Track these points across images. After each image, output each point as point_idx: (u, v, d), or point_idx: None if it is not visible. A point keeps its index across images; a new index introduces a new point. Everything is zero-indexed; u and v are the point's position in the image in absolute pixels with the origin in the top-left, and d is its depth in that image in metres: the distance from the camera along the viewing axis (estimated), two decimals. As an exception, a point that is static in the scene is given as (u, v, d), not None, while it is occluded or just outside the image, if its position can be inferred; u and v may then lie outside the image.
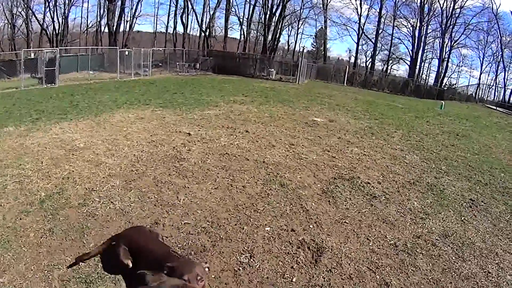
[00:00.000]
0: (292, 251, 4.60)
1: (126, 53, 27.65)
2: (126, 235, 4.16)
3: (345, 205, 5.89)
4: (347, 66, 47.61)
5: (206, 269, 3.45)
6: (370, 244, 4.88)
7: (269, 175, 6.77)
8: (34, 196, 5.46)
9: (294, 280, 4.10)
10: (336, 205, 5.88)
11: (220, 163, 7.18)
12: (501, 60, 54.11)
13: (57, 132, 8.81)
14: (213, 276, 4.03)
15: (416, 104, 23.09)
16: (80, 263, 4.04)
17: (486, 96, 44.71)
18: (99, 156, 7.13)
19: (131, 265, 3.73)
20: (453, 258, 4.73)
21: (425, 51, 58.02)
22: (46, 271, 3.94)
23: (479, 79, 54.99)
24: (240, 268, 4.21)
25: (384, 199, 6.25)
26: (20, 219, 4.86)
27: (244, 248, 4.56)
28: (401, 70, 62.50)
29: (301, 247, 4.68)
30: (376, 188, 6.66)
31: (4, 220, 4.80)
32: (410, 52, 57.14)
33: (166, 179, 6.30)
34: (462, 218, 5.83)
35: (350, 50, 62.81)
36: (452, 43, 55.38)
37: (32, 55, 26.83)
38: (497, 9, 54.50)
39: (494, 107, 31.59)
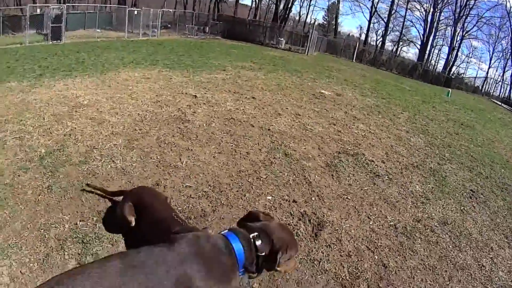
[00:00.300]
0: (293, 222, 4.52)
1: (135, 12, 27.27)
2: (134, 193, 4.04)
3: (348, 181, 5.81)
4: (357, 43, 47.10)
5: None
6: (370, 223, 4.82)
7: (274, 144, 6.67)
8: (34, 152, 5.36)
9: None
10: (339, 179, 5.79)
11: (225, 128, 7.07)
12: (510, 57, 54.20)
13: (61, 89, 8.66)
14: (212, 242, 3.96)
15: (423, 89, 22.89)
16: (78, 223, 3.97)
17: (492, 91, 44.84)
18: (103, 114, 7.01)
19: (133, 223, 3.64)
20: (450, 246, 4.69)
21: (436, 37, 58.08)
22: (42, 230, 3.85)
23: (487, 73, 55.19)
24: (240, 235, 4.13)
25: (387, 179, 6.17)
26: (19, 175, 4.76)
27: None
28: (410, 53, 62.66)
29: (302, 219, 4.61)
30: (380, 167, 6.57)
31: (1, 176, 4.70)
32: (421, 36, 57.23)
33: (170, 140, 6.20)
34: (462, 208, 5.78)
35: (361, 27, 63.75)
36: (464, 33, 55.69)
37: (38, 10, 26.34)
38: (510, 7, 54.47)
39: (499, 103, 31.56)
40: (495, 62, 57.14)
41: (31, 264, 3.41)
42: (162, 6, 45.55)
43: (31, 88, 8.67)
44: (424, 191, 6.07)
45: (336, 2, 58.90)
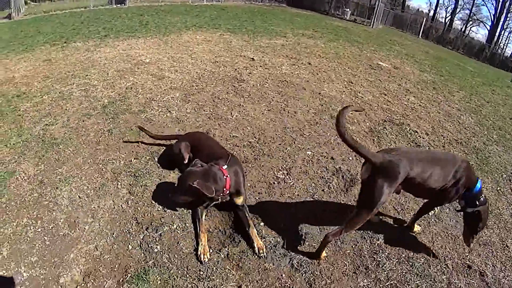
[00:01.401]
0: (326, 176, 4.75)
1: (201, -22, 27.57)
2: (189, 135, 4.61)
3: (388, 146, 5.89)
4: (425, 18, 45.29)
5: None
6: (400, 188, 4.94)
7: (322, 106, 6.84)
8: (97, 102, 5.90)
9: (322, 201, 4.31)
10: (379, 144, 5.89)
11: (277, 89, 7.32)
12: None
13: (124, 48, 9.21)
14: (249, 184, 4.31)
15: (487, 71, 21.52)
16: (133, 160, 4.44)
17: None
18: (163, 71, 7.46)
19: (186, 160, 4.17)
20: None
21: (508, 19, 53.98)
22: (101, 165, 4.36)
23: None
24: (276, 182, 4.45)
25: (427, 149, 6.18)
26: (83, 121, 5.32)
27: (283, 165, 4.78)
28: (479, 34, 59.15)
29: (335, 174, 4.82)
30: (423, 138, 6.54)
31: (68, 121, 5.28)
32: (492, 16, 53.38)
33: (223, 96, 6.56)
34: (498, 189, 5.61)
35: (430, 3, 60.27)
36: None
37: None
38: None
39: None
40: None
41: (88, 191, 3.91)
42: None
43: (96, 47, 9.29)
44: None
45: (406, -25, 56.74)
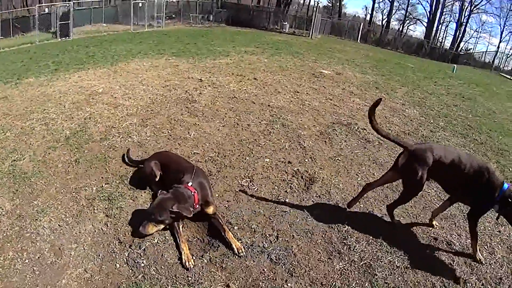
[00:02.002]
0: (287, 178, 5.22)
1: (140, 4, 27.80)
2: (158, 154, 5.06)
3: (340, 146, 6.43)
4: (361, 23, 46.94)
5: None
6: (358, 179, 5.45)
7: (273, 117, 7.31)
8: (59, 134, 6.09)
9: (286, 201, 4.75)
10: (331, 145, 6.43)
11: (228, 105, 7.74)
12: None
13: (76, 80, 9.36)
14: (217, 195, 4.69)
15: (428, 66, 22.76)
16: (104, 185, 4.72)
17: (503, 66, 43.34)
18: (117, 99, 7.71)
19: (158, 177, 4.56)
20: (435, 199, 5.21)
21: (443, 13, 56.52)
22: (74, 193, 4.60)
23: (498, 47, 53.03)
24: (241, 190, 4.86)
25: (377, 144, 6.72)
26: (49, 153, 5.51)
27: (245, 174, 5.21)
28: (417, 31, 61.56)
29: (295, 176, 5.30)
30: (372, 134, 7.05)
31: (34, 155, 5.45)
32: (428, 13, 55.82)
33: (179, 117, 6.89)
34: None
35: (366, 7, 62.28)
36: (472, 7, 53.70)
37: (46, 10, 27.08)
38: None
39: (509, 77, 31.00)
40: (506, 35, 55.64)
41: (67, 219, 4.15)
42: (166, -4, 46.12)
43: (49, 82, 9.40)
44: None
45: (340, -18, 58.55)
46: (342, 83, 10.94)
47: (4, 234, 3.90)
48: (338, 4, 59.36)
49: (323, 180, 5.28)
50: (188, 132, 6.30)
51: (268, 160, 5.64)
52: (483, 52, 48.87)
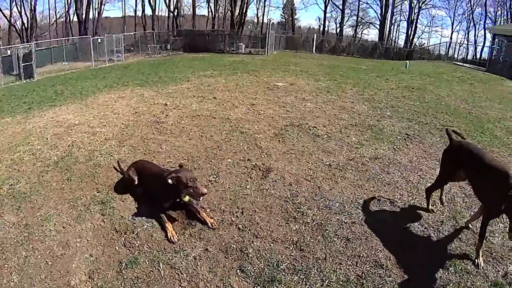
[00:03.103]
0: (247, 171, 6.36)
1: (99, 40, 28.64)
2: (134, 163, 6.07)
3: (292, 142, 7.62)
4: (315, 34, 48.36)
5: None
6: (309, 165, 6.63)
7: (232, 127, 8.45)
8: (48, 161, 6.98)
9: (247, 187, 5.88)
10: (284, 142, 7.61)
11: (192, 122, 8.83)
12: (471, 18, 55.02)
13: (52, 116, 10.20)
14: (190, 189, 5.77)
15: (381, 66, 24.10)
16: (96, 193, 5.72)
17: (457, 55, 45.45)
18: (94, 128, 8.66)
19: (136, 181, 5.58)
20: (379, 172, 6.45)
21: (394, 13, 58.21)
22: (71, 203, 5.53)
23: (450, 38, 55.31)
24: (209, 183, 5.96)
25: (326, 137, 7.96)
26: (42, 176, 6.39)
27: (211, 172, 6.32)
28: (371, 34, 62.62)
29: (254, 168, 6.46)
30: (321, 130, 8.36)
31: (29, 179, 6.31)
32: (379, 16, 57.55)
33: (151, 136, 7.93)
34: (394, 147, 7.53)
35: (319, 18, 63.27)
36: (420, 3, 55.72)
37: (9, 52, 27.21)
38: (466, -34, 54.58)
39: (461, 64, 32.25)
40: (457, 26, 58.79)
41: (69, 221, 5.09)
42: (123, 30, 47.05)
43: (26, 119, 10.20)
44: (360, 140, 7.88)
45: (290, -3, 60.02)
46: (295, 92, 12.21)
47: (15, 240, 4.72)
48: (291, 19, 60.82)
49: (278, 169, 6.44)
50: (161, 147, 7.35)
51: (230, 160, 6.77)
52: (436, 44, 50.81)
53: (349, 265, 4.29)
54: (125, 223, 5.00)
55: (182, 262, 4.32)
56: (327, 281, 4.03)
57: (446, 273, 4.11)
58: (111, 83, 15.79)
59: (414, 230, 4.87)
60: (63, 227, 4.99)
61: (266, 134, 8.07)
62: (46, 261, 4.39)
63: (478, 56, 48.16)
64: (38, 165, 6.84)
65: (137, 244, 4.61)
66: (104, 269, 4.28)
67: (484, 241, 4.30)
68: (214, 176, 6.20)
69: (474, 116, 10.04)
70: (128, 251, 4.53)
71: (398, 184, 6.06)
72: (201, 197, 4.78)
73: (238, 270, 4.20)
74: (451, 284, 3.96)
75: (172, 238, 4.66)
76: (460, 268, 4.17)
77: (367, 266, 4.26)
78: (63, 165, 6.74)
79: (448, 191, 5.73)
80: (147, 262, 4.32)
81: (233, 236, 4.74)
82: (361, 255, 4.44)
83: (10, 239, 4.75)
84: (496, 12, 54.23)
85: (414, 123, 9.08)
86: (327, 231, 4.82)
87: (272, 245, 4.58)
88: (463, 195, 5.73)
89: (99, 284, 4.08)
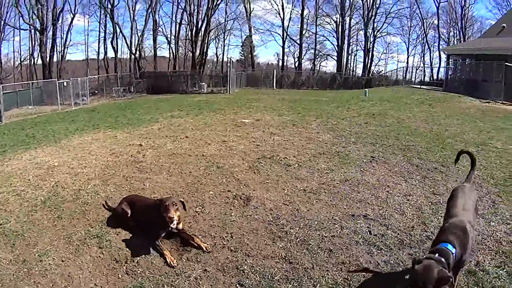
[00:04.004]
0: (229, 201, 6.93)
1: (65, 84, 28.86)
2: (125, 198, 6.58)
3: (267, 173, 8.27)
4: (274, 70, 49.56)
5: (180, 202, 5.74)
6: (285, 192, 7.29)
7: (208, 163, 9.01)
8: (35, 200, 7.17)
9: (232, 214, 6.45)
10: (259, 173, 8.24)
11: (170, 160, 9.33)
12: (425, 41, 57.98)
13: (29, 158, 10.36)
14: (179, 220, 6.25)
15: (341, 96, 25.22)
16: (90, 229, 6.10)
17: (414, 78, 47.56)
18: (75, 169, 8.97)
19: (129, 214, 6.07)
20: (349, 192, 7.21)
21: (350, 44, 60.68)
22: (67, 238, 5.81)
23: (407, 62, 57.94)
24: (197, 214, 6.48)
25: (297, 165, 8.67)
26: (32, 215, 6.56)
27: (197, 204, 6.83)
28: (330, 66, 64.18)
29: (235, 198, 7.04)
30: (291, 160, 9.07)
31: (18, 218, 6.46)
32: (336, 47, 59.51)
33: (132, 175, 8.35)
34: (362, 169, 8.35)
35: (278, 54, 64.88)
36: (375, 32, 58.34)
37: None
38: (417, -6, 57.28)
39: (419, 86, 34.01)
40: (412, 50, 61.82)
41: (67, 256, 5.39)
42: (86, 73, 46.89)
43: (2, 162, 10.25)
44: (329, 166, 8.64)
45: (249, 36, 61.20)
46: (262, 127, 13.00)
47: (15, 276, 4.84)
48: (250, 56, 62.06)
49: (257, 197, 7.06)
50: (144, 184, 7.80)
51: (212, 192, 7.30)
52: (394, 70, 52.85)
53: (335, 271, 4.86)
54: (124, 253, 5.39)
55: (185, 283, 4.76)
56: (318, 286, 4.59)
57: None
58: (81, 126, 16.15)
59: (388, 237, 5.56)
60: (62, 261, 5.25)
61: (241, 167, 8.67)
62: (50, 294, 4.66)
63: (435, 77, 50.84)
64: (25, 205, 7.00)
65: (139, 271, 5.01)
66: (110, 298, 4.66)
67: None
68: (200, 207, 6.71)
69: (434, 134, 11.13)
70: (131, 278, 4.91)
71: (369, 200, 6.82)
72: (170, 222, 5.35)
73: (237, 285, 4.68)
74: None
75: (171, 262, 5.11)
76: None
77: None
78: (51, 204, 6.99)
79: (415, 201, 6.59)
80: (152, 286, 4.72)
81: (227, 257, 5.24)
82: (345, 262, 5.03)
83: (9, 275, 4.91)
84: (449, 33, 57.67)
85: (378, 146, 10.00)
86: (311, 245, 5.42)
87: (264, 261, 5.11)
88: (429, 203, 6.56)
89: (109, 310, 4.44)
